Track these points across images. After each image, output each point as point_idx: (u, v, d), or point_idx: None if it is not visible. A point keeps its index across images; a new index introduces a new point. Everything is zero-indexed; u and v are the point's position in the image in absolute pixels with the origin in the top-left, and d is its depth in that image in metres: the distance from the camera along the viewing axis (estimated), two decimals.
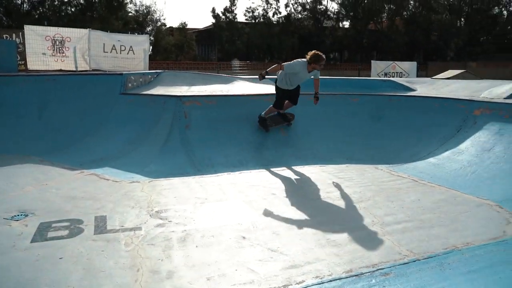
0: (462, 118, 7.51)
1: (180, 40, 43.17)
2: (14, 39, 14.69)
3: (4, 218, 4.36)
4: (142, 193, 5.08)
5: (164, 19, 57.09)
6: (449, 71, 21.80)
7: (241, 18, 44.96)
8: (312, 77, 7.14)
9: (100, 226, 4.04)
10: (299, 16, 46.94)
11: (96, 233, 3.86)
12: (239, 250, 3.42)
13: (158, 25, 43.33)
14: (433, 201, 4.93)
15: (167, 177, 5.89)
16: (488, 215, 4.48)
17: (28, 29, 14.29)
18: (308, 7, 46.67)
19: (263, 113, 7.70)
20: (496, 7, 47.50)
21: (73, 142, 7.86)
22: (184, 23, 45.25)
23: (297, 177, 5.96)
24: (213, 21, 44.60)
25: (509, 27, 47.53)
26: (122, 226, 4.00)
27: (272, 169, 6.38)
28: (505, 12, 47.94)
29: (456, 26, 46.58)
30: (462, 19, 47.48)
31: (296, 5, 46.49)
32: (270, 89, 9.59)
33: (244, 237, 3.68)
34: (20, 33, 14.90)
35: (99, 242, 3.65)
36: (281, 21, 45.39)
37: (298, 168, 6.48)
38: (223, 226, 3.95)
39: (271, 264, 3.19)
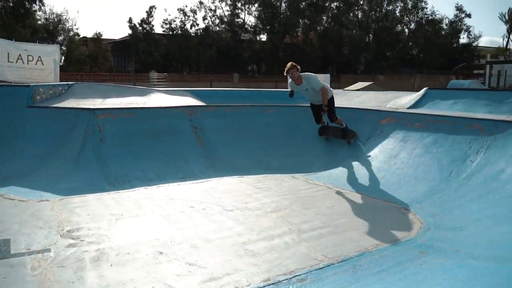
0: (371, 127, 7.99)
1: (94, 50, 41.50)
2: None
3: None
4: (52, 212, 4.79)
5: (77, 29, 54.40)
6: (359, 83, 23.18)
7: (158, 29, 44.14)
8: (310, 88, 7.18)
9: (3, 250, 3.73)
10: (217, 28, 47.25)
11: None
12: (156, 266, 3.34)
13: (70, 34, 41.35)
14: (346, 207, 5.18)
15: (79, 194, 5.61)
16: (396, 217, 4.80)
17: None
18: (225, 20, 47.15)
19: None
20: (399, 25, 51.29)
21: None
22: (99, 33, 43.48)
23: (216, 189, 5.96)
24: (130, 31, 43.46)
25: (410, 44, 51.55)
26: (29, 249, 3.73)
27: (190, 182, 6.33)
28: (406, 30, 51.93)
29: (365, 41, 49.59)
30: (371, 35, 50.66)
31: (214, 18, 46.74)
32: (188, 101, 9.56)
33: (161, 253, 3.61)
34: None
35: (0, 268, 3.37)
36: (199, 33, 45.38)
37: (216, 180, 6.49)
38: (139, 242, 3.83)
39: (189, 279, 3.16)
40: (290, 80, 7.16)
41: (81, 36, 42.68)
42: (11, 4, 37.90)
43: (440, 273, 3.32)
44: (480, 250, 3.77)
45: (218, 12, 47.69)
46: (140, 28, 43.35)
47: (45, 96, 9.04)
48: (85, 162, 6.73)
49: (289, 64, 6.93)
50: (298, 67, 6.98)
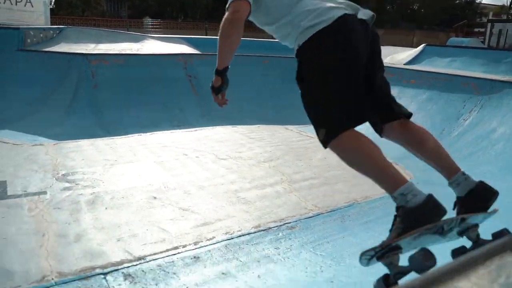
0: None
1: None
2: None
3: None
4: (47, 156, 4.82)
5: None
6: None
7: None
8: None
9: (0, 191, 3.79)
10: None
11: None
12: (150, 211, 3.42)
13: None
14: (338, 160, 5.25)
15: (73, 139, 5.63)
16: None
17: None
18: None
19: None
20: None
21: None
22: None
23: (209, 138, 5.99)
24: None
25: None
26: (25, 191, 3.79)
27: (184, 130, 6.36)
28: None
29: None
30: None
31: None
32: (183, 49, 9.43)
33: (155, 198, 3.68)
34: None
35: None
36: None
37: (210, 129, 6.52)
38: (133, 188, 3.90)
39: (182, 223, 3.24)
40: None
41: None
42: None
43: None
44: None
45: None
46: None
47: (36, 39, 8.87)
48: (78, 108, 6.72)
49: None
50: None
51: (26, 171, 4.33)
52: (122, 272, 2.56)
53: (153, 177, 4.23)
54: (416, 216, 1.87)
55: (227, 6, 2.18)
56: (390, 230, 1.97)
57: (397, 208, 1.99)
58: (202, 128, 6.58)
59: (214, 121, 7.04)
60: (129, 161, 4.75)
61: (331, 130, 2.03)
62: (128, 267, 2.61)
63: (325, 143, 2.09)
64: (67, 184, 3.96)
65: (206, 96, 7.85)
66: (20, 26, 8.99)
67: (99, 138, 5.73)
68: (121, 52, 7.98)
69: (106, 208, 3.45)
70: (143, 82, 7.47)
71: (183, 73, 8.03)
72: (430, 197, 1.90)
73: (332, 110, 2.04)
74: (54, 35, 9.15)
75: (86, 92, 6.97)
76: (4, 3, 12.86)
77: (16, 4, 13.19)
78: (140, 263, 2.65)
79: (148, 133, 6.05)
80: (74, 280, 2.48)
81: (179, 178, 4.24)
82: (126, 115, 6.74)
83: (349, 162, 2.10)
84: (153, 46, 9.36)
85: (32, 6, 13.49)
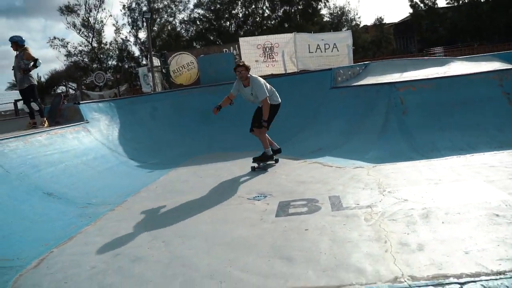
0: None
1: (377, 36, 42.43)
2: (232, 51, 16.57)
3: (247, 199, 4.88)
4: (369, 177, 5.07)
5: (359, 17, 56.93)
6: None
7: (441, 3, 41.48)
8: (255, 94, 6.45)
9: (336, 204, 4.16)
10: None
11: (333, 210, 4.00)
12: (495, 227, 3.08)
13: (352, 24, 43.43)
14: None
15: (389, 162, 5.75)
16: None
17: (243, 40, 15.96)
18: None
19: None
20: None
21: (290, 136, 8.38)
22: (380, 18, 44.34)
23: None
24: (411, 11, 42.41)
25: None
26: (358, 204, 4.05)
27: (510, 151, 5.62)
28: None
29: None
30: None
31: None
32: (495, 66, 8.58)
33: (497, 215, 3.31)
34: (236, 45, 16.72)
35: (338, 217, 3.76)
36: None
37: None
38: (468, 204, 3.62)
39: None
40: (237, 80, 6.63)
41: (362, 24, 44.34)
42: (300, 7, 42.54)
43: None
44: None
45: None
46: (422, 5, 41.69)
47: (345, 77, 9.70)
48: (390, 134, 6.89)
49: (240, 62, 6.78)
50: (248, 66, 6.51)
51: (353, 188, 4.65)
52: (482, 285, 2.33)
53: (488, 195, 3.84)
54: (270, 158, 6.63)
55: (261, 99, 6.35)
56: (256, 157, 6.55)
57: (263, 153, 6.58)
58: None
59: None
60: (454, 180, 4.49)
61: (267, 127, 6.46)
62: (487, 280, 2.37)
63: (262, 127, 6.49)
64: (395, 200, 4.02)
65: None
66: (332, 67, 10.00)
67: (415, 161, 5.68)
68: (428, 77, 7.85)
69: (442, 222, 3.30)
70: (454, 105, 7.09)
71: (499, 91, 7.24)
72: (272, 155, 6.69)
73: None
74: (360, 70, 9.83)
75: (396, 118, 7.10)
76: (315, 52, 14.81)
77: (325, 51, 14.98)
78: (500, 278, 2.38)
79: (467, 155, 5.63)
80: (428, 286, 2.41)
81: None
82: (439, 138, 6.50)
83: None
84: (460, 67, 8.88)
85: (338, 50, 15.04)
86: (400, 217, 3.53)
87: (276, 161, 6.77)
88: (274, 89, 6.58)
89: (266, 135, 6.58)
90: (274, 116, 6.52)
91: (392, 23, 47.55)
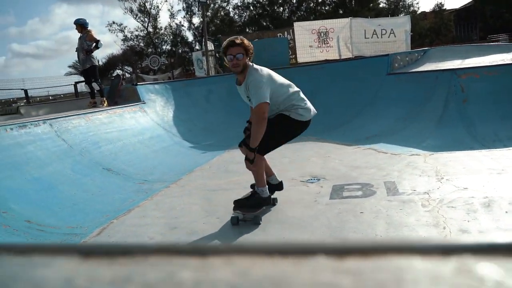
0: None
1: (436, 23, 40.68)
2: (285, 36, 16.48)
3: (301, 181, 4.89)
4: (426, 164, 4.94)
5: (417, 3, 54.81)
6: None
7: None
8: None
9: (392, 189, 4.09)
10: None
11: (389, 194, 3.94)
12: None
13: (410, 10, 41.89)
14: None
15: (447, 150, 5.57)
16: None
17: (297, 25, 15.86)
18: None
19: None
20: None
21: (344, 122, 8.29)
22: (440, 3, 42.41)
23: None
24: None
25: None
26: (414, 190, 3.96)
27: None
28: None
29: None
30: None
31: None
32: None
33: None
34: (291, 30, 16.62)
35: (394, 202, 3.70)
36: None
37: None
38: None
39: None
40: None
41: (419, 11, 42.65)
42: None
43: None
44: None
45: None
46: None
47: (403, 63, 9.42)
48: (449, 122, 6.65)
49: (237, 39, 3.65)
50: (249, 46, 3.65)
51: (410, 175, 4.55)
52: None
53: None
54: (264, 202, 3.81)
55: (256, 104, 3.57)
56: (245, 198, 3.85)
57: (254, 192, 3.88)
58: None
59: None
60: None
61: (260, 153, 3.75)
62: None
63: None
64: (454, 188, 3.90)
65: None
66: (389, 53, 9.74)
67: (475, 150, 5.46)
68: (492, 64, 7.48)
69: (506, 212, 3.18)
70: None
71: None
72: (269, 196, 3.92)
73: None
74: (419, 57, 9.51)
75: (456, 106, 6.84)
76: (371, 37, 14.45)
77: (381, 36, 14.58)
78: None
79: None
80: None
81: None
82: (501, 128, 6.20)
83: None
84: None
85: (395, 36, 14.59)
86: (460, 205, 3.42)
87: (274, 203, 4.10)
88: (301, 93, 3.84)
89: (265, 159, 3.93)
90: (294, 134, 3.87)
91: (453, 9, 45.32)
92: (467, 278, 0.31)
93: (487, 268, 0.31)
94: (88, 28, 9.05)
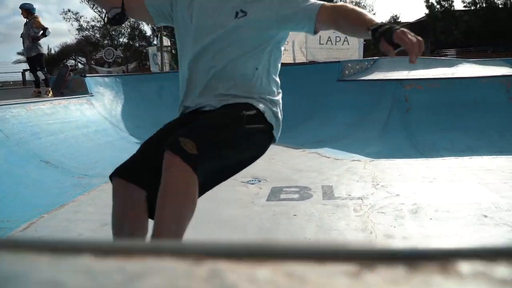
0: None
1: None
2: None
3: (241, 182, 4.89)
4: (365, 170, 5.07)
5: (374, 14, 56.26)
6: None
7: (458, 5, 41.05)
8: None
9: (328, 193, 4.17)
10: None
11: (324, 198, 4.00)
12: (482, 227, 3.08)
13: None
14: None
15: (388, 158, 5.75)
16: None
17: None
18: None
19: None
20: None
21: (293, 126, 8.36)
22: (396, 16, 43.90)
23: None
24: (427, 11, 41.97)
25: None
26: (349, 195, 4.05)
27: (508, 157, 5.60)
28: None
29: None
30: None
31: None
32: (504, 71, 8.51)
33: (485, 216, 3.31)
34: None
35: (328, 206, 3.77)
36: (509, 3, 39.70)
37: None
38: (458, 204, 3.62)
39: None
40: None
41: None
42: None
43: None
44: None
45: None
46: (438, 6, 41.23)
47: (353, 70, 9.65)
48: (392, 130, 6.89)
49: None
50: None
51: (348, 180, 4.65)
52: None
53: (480, 197, 3.84)
54: None
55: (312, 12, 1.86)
56: None
57: None
58: None
59: None
60: (449, 180, 4.48)
61: None
62: None
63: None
64: (387, 194, 4.03)
65: None
66: (341, 60, 9.96)
67: (413, 159, 5.68)
68: (435, 77, 7.81)
69: (430, 219, 3.31)
70: (459, 107, 7.06)
71: (505, 97, 7.20)
72: None
73: None
74: (369, 65, 9.78)
75: (399, 116, 7.09)
76: (326, 43, 14.70)
77: (335, 44, 14.88)
78: None
79: (465, 157, 5.61)
80: None
81: (511, 200, 3.71)
82: (440, 139, 6.48)
83: None
84: (469, 70, 8.82)
85: (348, 44, 14.94)
86: (389, 211, 3.53)
87: None
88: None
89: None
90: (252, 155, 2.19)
91: (407, 22, 46.97)
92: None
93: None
94: (35, 14, 8.69)
